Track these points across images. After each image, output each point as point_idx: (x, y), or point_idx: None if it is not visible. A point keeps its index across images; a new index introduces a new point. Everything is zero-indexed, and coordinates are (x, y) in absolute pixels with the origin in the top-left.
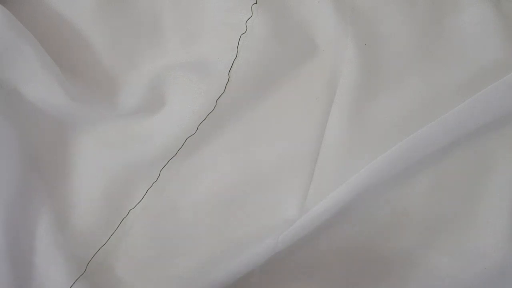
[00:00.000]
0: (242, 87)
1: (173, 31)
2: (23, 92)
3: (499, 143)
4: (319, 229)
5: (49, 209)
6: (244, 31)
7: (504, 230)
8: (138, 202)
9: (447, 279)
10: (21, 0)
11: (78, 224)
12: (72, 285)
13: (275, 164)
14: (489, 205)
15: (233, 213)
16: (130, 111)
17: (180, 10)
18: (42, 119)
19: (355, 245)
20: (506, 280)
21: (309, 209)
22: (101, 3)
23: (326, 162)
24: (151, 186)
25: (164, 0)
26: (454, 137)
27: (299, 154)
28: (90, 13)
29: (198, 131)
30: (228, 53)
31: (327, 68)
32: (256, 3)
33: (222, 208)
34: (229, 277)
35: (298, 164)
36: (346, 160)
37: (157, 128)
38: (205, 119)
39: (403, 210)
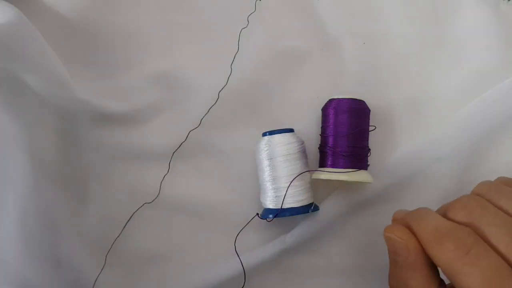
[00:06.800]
0: (243, 81)
1: (174, 26)
2: (28, 83)
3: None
4: (327, 226)
5: (63, 202)
6: (246, 26)
7: None
8: (156, 198)
9: None
10: None
11: (93, 215)
12: (99, 275)
13: None
14: None
15: (249, 203)
16: (133, 106)
17: (182, 5)
18: (48, 113)
19: (364, 241)
20: None
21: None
22: (101, 2)
23: None
24: (163, 179)
25: None
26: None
27: None
28: (90, 12)
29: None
30: (230, 46)
31: (327, 66)
32: None
33: (238, 199)
34: (237, 272)
35: None
36: None
37: (161, 123)
38: (207, 112)
39: None
